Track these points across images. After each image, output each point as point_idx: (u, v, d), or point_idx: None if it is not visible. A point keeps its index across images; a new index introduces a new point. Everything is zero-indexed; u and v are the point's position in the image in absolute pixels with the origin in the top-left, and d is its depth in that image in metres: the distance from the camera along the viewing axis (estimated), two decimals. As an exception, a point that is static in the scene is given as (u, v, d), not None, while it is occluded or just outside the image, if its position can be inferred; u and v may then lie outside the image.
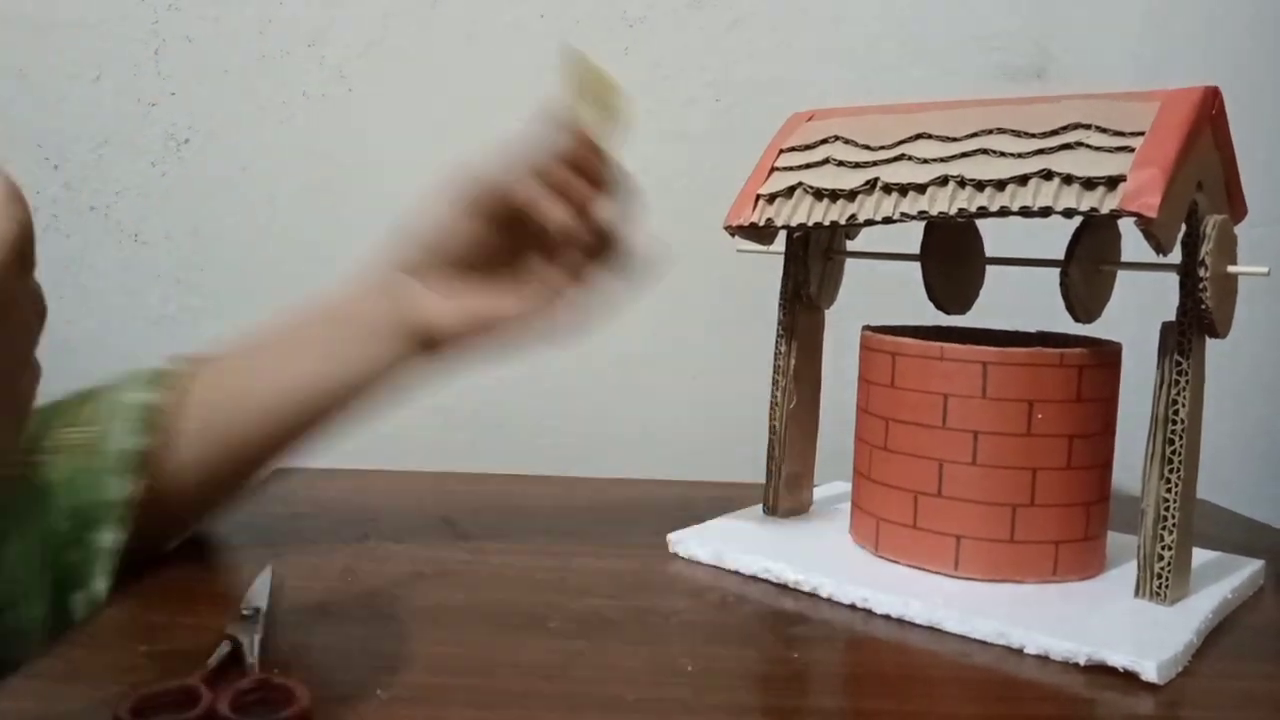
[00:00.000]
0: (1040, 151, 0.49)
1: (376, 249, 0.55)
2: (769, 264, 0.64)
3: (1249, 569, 0.56)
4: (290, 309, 0.55)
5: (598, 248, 0.52)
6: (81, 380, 0.83)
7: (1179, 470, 0.49)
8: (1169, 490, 0.49)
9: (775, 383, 0.64)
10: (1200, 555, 0.56)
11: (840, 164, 0.56)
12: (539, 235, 0.51)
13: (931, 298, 0.61)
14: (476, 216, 0.52)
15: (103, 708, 0.37)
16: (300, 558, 0.56)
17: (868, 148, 0.55)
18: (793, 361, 0.63)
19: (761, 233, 0.60)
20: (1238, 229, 0.53)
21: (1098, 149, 0.48)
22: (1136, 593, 0.50)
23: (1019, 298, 0.65)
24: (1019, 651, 0.46)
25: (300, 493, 0.71)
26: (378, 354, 0.53)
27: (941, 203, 0.50)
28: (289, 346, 0.54)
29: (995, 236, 0.62)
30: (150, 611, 0.48)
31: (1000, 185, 0.49)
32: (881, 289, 0.69)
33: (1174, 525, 0.49)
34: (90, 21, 0.80)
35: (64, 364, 0.83)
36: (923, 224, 0.58)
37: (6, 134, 0.80)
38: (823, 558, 0.55)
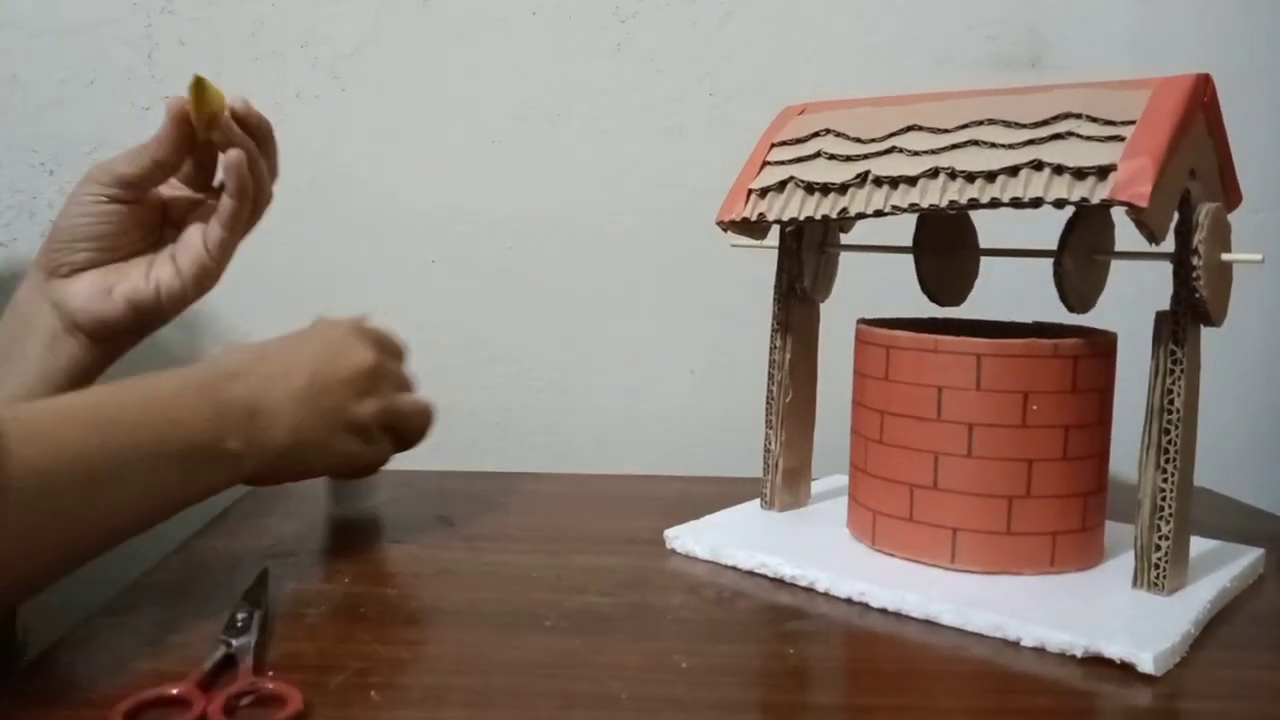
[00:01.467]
0: (1031, 142, 0.49)
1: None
2: (764, 258, 0.64)
3: (1249, 557, 0.56)
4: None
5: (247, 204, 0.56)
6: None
7: (1175, 460, 0.49)
8: (1165, 480, 0.49)
9: (771, 377, 0.64)
10: (1200, 544, 0.56)
11: (831, 157, 0.56)
12: (176, 216, 0.57)
13: (925, 290, 0.61)
14: (114, 207, 0.54)
15: (95, 713, 0.37)
16: (298, 558, 0.57)
17: (859, 140, 0.55)
18: (788, 356, 0.63)
19: (754, 227, 0.60)
20: (1235, 215, 0.53)
21: (1088, 138, 0.47)
22: (1134, 583, 0.50)
23: (1013, 289, 0.65)
24: (1016, 644, 0.46)
25: (298, 492, 0.71)
26: (54, 358, 0.54)
27: (932, 195, 0.50)
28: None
29: (989, 227, 0.62)
30: (144, 615, 0.48)
31: (991, 176, 0.49)
32: (877, 282, 0.68)
33: (1170, 515, 0.49)
34: (84, 25, 0.80)
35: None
36: (915, 216, 0.58)
37: (1, 139, 0.81)
38: (819, 552, 0.55)
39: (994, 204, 0.48)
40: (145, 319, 0.55)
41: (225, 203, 0.54)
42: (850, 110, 0.59)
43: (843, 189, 0.54)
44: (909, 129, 0.54)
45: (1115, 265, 0.57)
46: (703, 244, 0.79)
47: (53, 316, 0.54)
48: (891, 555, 0.55)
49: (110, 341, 0.55)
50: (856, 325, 0.59)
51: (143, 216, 0.56)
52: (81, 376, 0.54)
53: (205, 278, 0.56)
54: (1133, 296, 0.59)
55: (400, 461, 0.77)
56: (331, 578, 0.54)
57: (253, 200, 0.56)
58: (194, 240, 0.55)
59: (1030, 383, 0.51)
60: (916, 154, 0.52)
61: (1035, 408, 0.51)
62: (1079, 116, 0.49)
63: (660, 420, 0.86)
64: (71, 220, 0.54)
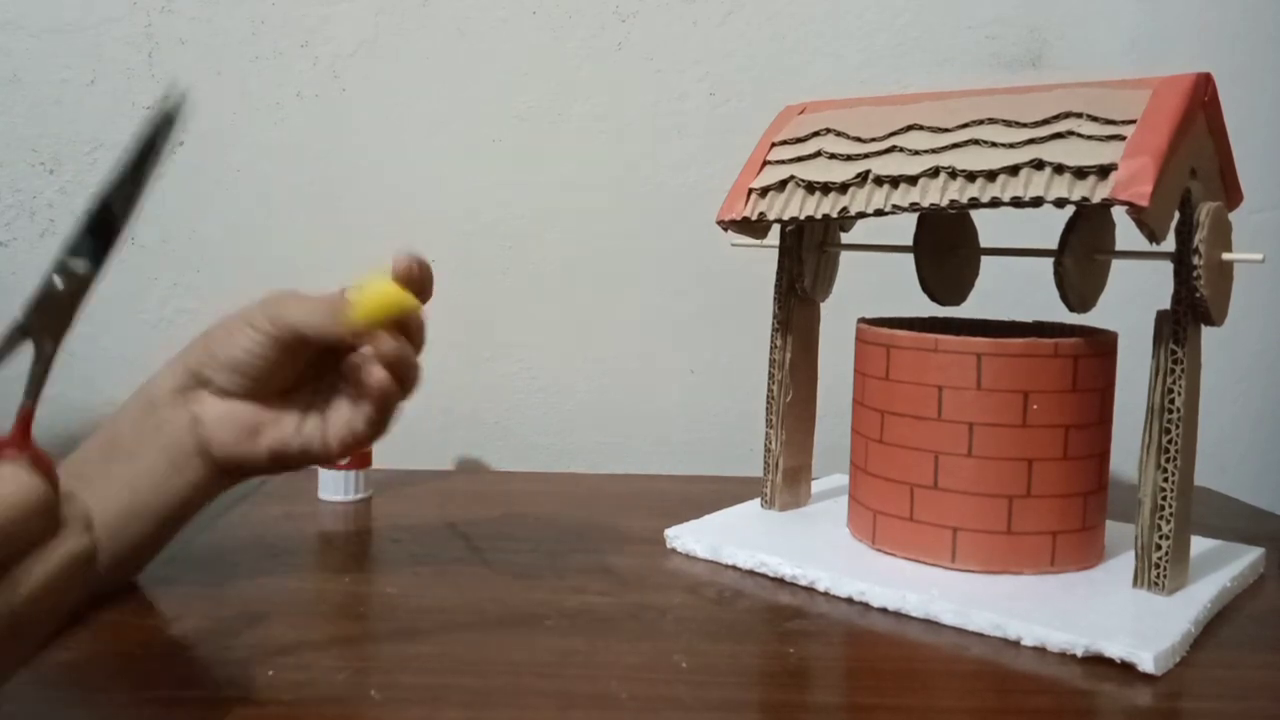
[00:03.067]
0: (1031, 141, 0.49)
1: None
2: (764, 258, 0.64)
3: (1249, 557, 0.56)
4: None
5: (398, 398, 0.49)
6: (80, 384, 0.83)
7: (1175, 460, 0.48)
8: (1166, 480, 0.49)
9: (771, 376, 0.64)
10: (1200, 543, 0.56)
11: (832, 156, 0.56)
12: (341, 374, 0.50)
13: (925, 290, 0.61)
14: (279, 353, 0.49)
15: (95, 713, 0.37)
16: (298, 557, 0.56)
17: (859, 140, 0.55)
18: (789, 355, 0.63)
19: (754, 227, 0.60)
20: (1236, 215, 0.52)
21: (1089, 138, 0.47)
22: (1135, 583, 0.50)
23: (1014, 288, 0.65)
24: (1016, 643, 0.46)
25: (298, 492, 0.71)
26: (178, 476, 0.49)
27: (933, 194, 0.50)
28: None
29: (990, 227, 0.62)
30: (142, 616, 0.48)
31: (991, 176, 0.49)
32: (877, 282, 0.68)
33: (1171, 515, 0.49)
34: (84, 25, 0.80)
35: (62, 368, 0.83)
36: (915, 216, 0.58)
37: (1, 138, 0.81)
38: (820, 551, 0.55)
39: (994, 203, 0.48)
40: (278, 467, 0.50)
41: (388, 387, 0.48)
42: (850, 109, 0.59)
43: (843, 188, 0.54)
44: (909, 128, 0.54)
45: (1116, 265, 0.57)
46: (703, 243, 0.79)
47: (190, 433, 0.49)
48: (892, 555, 0.55)
49: (233, 476, 0.51)
50: (857, 325, 0.59)
51: (308, 359, 0.50)
52: (192, 505, 0.50)
53: (349, 450, 0.50)
54: (1133, 296, 0.59)
55: (400, 461, 0.78)
56: (331, 577, 0.54)
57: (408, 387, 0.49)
58: (346, 415, 0.50)
59: (1030, 382, 0.51)
60: (917, 153, 0.52)
61: (1035, 407, 0.51)
62: (1079, 116, 0.49)
63: (660, 420, 0.86)
64: (233, 351, 0.49)
